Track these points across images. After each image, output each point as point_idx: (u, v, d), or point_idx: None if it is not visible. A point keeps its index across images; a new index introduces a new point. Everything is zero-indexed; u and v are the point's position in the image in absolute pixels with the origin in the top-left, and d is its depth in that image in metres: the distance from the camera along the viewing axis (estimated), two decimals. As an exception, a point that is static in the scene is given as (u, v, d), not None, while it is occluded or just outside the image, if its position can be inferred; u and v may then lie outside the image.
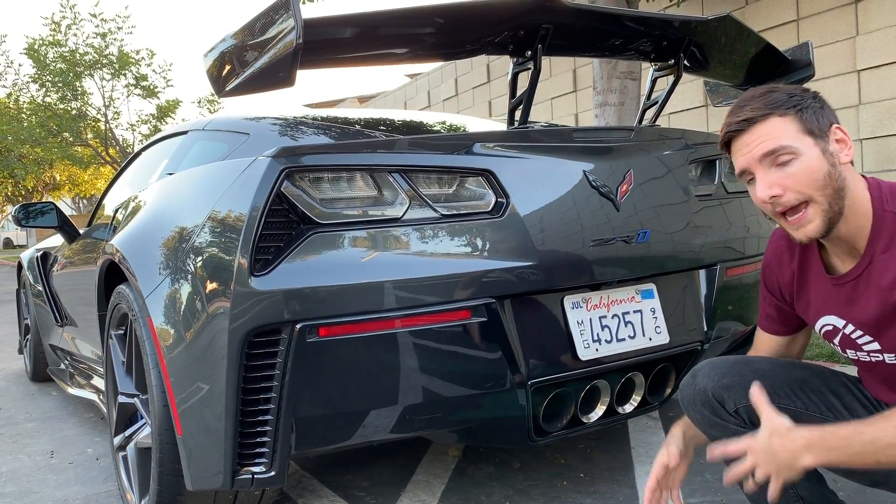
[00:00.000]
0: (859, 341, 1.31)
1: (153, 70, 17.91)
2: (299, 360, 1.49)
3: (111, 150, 17.87)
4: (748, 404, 1.35)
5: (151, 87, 17.62)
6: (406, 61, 1.94)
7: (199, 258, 1.60)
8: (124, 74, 17.16)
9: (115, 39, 16.81)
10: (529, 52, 1.84)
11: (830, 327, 1.35)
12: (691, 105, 6.11)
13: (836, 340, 1.35)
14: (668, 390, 2.01)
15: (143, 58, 17.35)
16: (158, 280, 1.73)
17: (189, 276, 1.62)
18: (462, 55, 1.99)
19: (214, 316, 1.51)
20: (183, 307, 1.62)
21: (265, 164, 1.54)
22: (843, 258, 1.30)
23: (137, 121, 18.26)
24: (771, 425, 1.18)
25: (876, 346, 1.28)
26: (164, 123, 18.16)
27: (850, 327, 1.31)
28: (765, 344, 1.54)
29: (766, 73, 2.28)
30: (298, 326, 1.48)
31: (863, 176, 1.27)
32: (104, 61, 16.70)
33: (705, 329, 2.06)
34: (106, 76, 17.07)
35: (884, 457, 1.11)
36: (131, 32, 32.04)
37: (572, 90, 7.64)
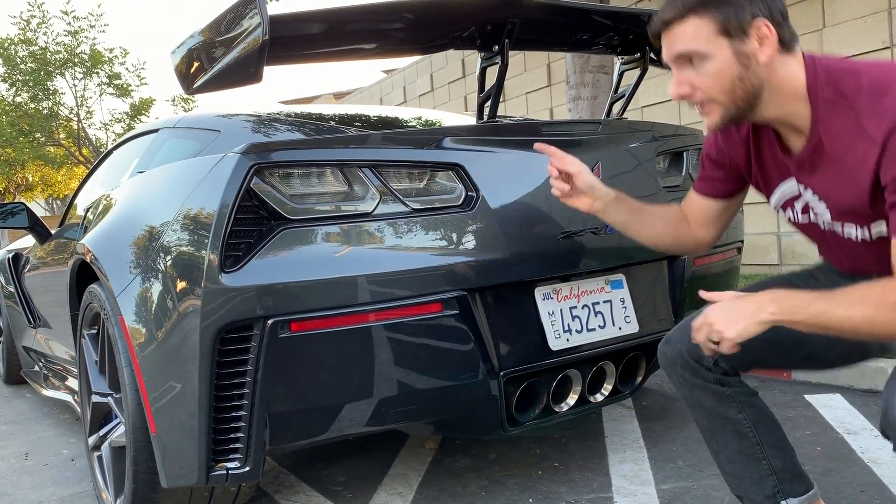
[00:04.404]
0: (816, 209, 1.33)
1: (126, 69, 17.69)
2: (272, 356, 1.50)
3: (84, 150, 17.62)
4: (724, 354, 1.37)
5: (125, 85, 17.40)
6: (374, 57, 1.95)
7: (170, 256, 1.60)
8: (97, 73, 16.92)
9: (86, 38, 16.57)
10: (497, 47, 1.86)
11: (794, 192, 1.36)
12: (664, 98, 6.17)
13: (799, 206, 1.37)
14: (639, 378, 2.05)
15: (115, 56, 17.13)
16: (129, 279, 1.72)
17: (160, 274, 1.62)
18: (431, 50, 2.00)
19: (186, 313, 1.52)
20: (154, 305, 1.62)
21: (234, 160, 1.54)
22: (789, 135, 1.31)
23: (111, 120, 18.02)
24: (733, 295, 1.23)
25: (828, 216, 1.31)
26: (137, 122, 17.92)
27: (809, 192, 1.32)
28: (697, 207, 1.56)
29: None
30: (270, 322, 1.48)
31: (804, 55, 1.24)
32: (76, 60, 16.46)
33: (674, 318, 2.09)
34: (78, 75, 16.82)
35: (833, 329, 1.16)
36: (104, 31, 31.64)
37: (547, 85, 7.66)
